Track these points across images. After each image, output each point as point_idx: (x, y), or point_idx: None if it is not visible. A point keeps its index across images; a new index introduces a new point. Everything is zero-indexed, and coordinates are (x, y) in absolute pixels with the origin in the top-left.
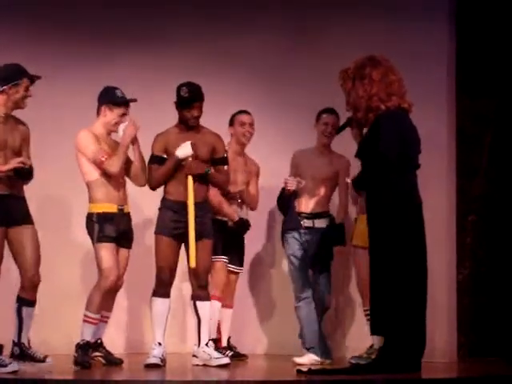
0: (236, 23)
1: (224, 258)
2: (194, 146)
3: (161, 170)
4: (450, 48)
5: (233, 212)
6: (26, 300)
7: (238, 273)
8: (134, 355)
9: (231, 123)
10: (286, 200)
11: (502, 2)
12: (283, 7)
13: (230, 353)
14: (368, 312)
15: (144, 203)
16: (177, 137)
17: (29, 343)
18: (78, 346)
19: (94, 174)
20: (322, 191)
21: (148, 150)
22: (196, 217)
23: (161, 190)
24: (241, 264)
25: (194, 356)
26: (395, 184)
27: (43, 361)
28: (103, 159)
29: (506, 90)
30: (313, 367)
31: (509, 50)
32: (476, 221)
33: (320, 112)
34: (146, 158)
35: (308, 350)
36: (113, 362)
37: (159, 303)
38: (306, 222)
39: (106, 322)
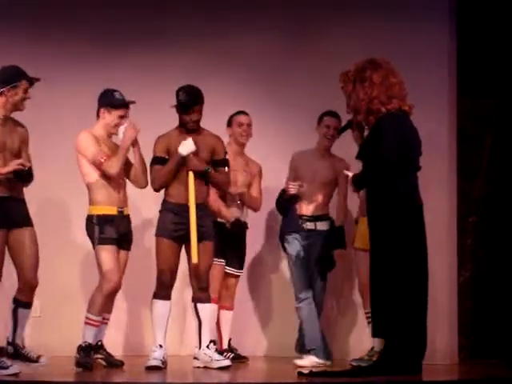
0: (236, 24)
1: (221, 261)
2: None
3: (164, 169)
4: (451, 49)
5: (229, 213)
6: (22, 302)
7: (238, 276)
8: (133, 357)
9: (229, 124)
10: (286, 202)
11: (503, 2)
12: (283, 8)
13: (230, 355)
14: (369, 314)
15: (143, 205)
16: (178, 139)
17: (23, 343)
18: (80, 348)
19: (93, 176)
20: (323, 194)
21: (148, 151)
22: (197, 218)
23: (160, 192)
24: (240, 267)
25: (194, 358)
26: (396, 186)
27: (37, 361)
28: (102, 160)
29: (506, 91)
30: (314, 369)
31: (509, 50)
32: (477, 222)
33: (322, 115)
34: (147, 160)
35: (309, 351)
36: (114, 364)
37: (160, 305)
38: (309, 225)
39: (106, 323)
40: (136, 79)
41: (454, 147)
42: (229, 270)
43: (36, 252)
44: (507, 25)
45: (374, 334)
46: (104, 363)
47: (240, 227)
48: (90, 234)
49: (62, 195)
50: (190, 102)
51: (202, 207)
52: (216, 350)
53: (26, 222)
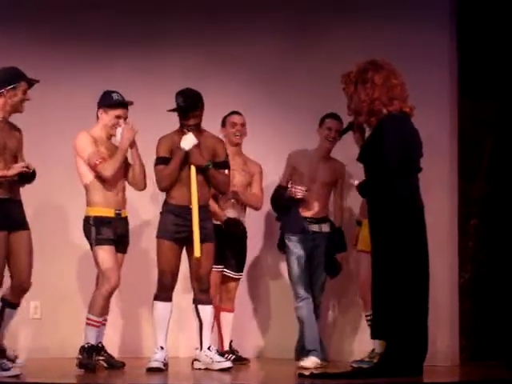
0: (236, 26)
1: (218, 267)
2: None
3: (169, 167)
4: (452, 50)
5: (220, 212)
6: (10, 302)
7: (238, 279)
8: (132, 359)
9: (223, 124)
10: (287, 202)
11: (504, 3)
12: (283, 9)
13: (232, 356)
14: (370, 317)
15: (141, 207)
16: (180, 139)
17: (1, 339)
18: (83, 349)
19: (90, 177)
20: (323, 196)
21: (148, 152)
22: (199, 219)
23: (161, 194)
24: (240, 269)
25: (196, 360)
26: (397, 188)
27: (13, 361)
28: (97, 162)
29: (507, 93)
30: (315, 371)
31: (510, 52)
32: (478, 224)
33: (323, 117)
34: (146, 161)
35: (309, 352)
36: (115, 365)
37: (161, 307)
38: (314, 227)
39: (105, 324)
40: (136, 80)
41: (455, 149)
42: (229, 273)
43: (31, 255)
44: (508, 26)
45: (375, 336)
46: (105, 365)
47: (236, 226)
48: (88, 235)
49: (61, 196)
50: (187, 106)
51: (204, 210)
52: (217, 351)
53: (24, 224)
